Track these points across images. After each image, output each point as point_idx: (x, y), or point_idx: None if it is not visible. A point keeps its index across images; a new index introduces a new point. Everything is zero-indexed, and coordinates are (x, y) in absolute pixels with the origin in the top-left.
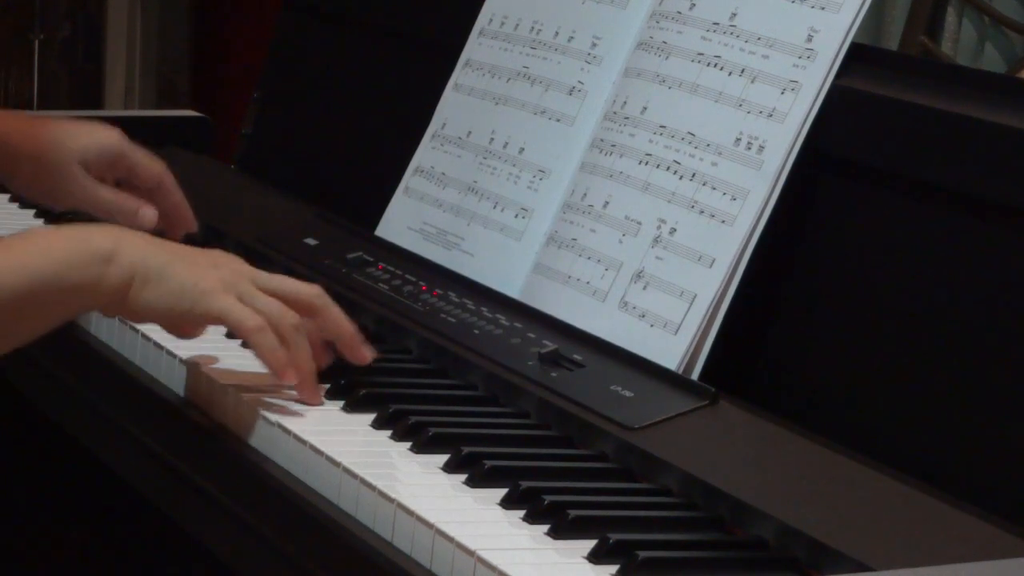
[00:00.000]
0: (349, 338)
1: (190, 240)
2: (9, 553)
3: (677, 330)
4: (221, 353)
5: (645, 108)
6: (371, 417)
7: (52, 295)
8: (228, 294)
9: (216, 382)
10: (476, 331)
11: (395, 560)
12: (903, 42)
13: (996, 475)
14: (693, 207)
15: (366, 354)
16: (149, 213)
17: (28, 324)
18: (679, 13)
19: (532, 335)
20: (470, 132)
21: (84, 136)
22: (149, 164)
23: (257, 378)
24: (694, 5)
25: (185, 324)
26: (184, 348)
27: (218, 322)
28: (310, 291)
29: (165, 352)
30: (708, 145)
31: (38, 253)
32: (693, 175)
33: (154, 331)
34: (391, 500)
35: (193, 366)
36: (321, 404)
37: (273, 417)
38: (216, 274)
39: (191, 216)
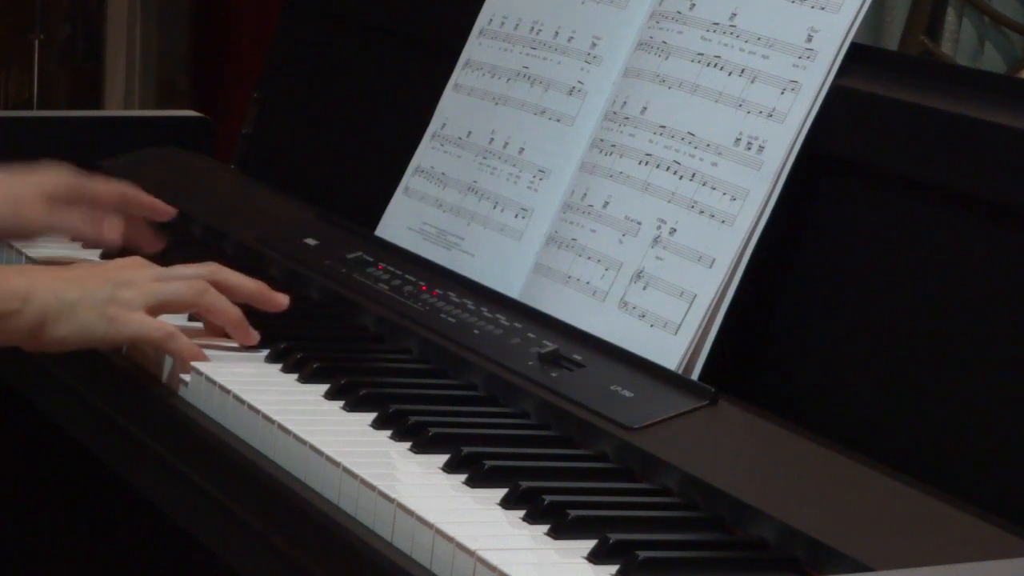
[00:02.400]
0: (258, 294)
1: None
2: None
3: (677, 330)
4: (216, 353)
5: (645, 108)
6: (371, 417)
7: None
8: (136, 312)
9: (215, 381)
10: (476, 331)
11: (395, 560)
12: (903, 42)
13: (996, 475)
14: (693, 207)
15: (281, 300)
16: (112, 228)
17: None
18: (679, 13)
19: (532, 335)
20: (470, 132)
21: (40, 174)
22: (107, 186)
23: (254, 376)
24: (694, 5)
25: (105, 346)
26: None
27: (136, 343)
28: (203, 271)
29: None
30: (708, 145)
31: None
32: (693, 175)
33: None
34: (391, 500)
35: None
36: (255, 339)
37: (273, 417)
38: (123, 296)
39: (165, 207)
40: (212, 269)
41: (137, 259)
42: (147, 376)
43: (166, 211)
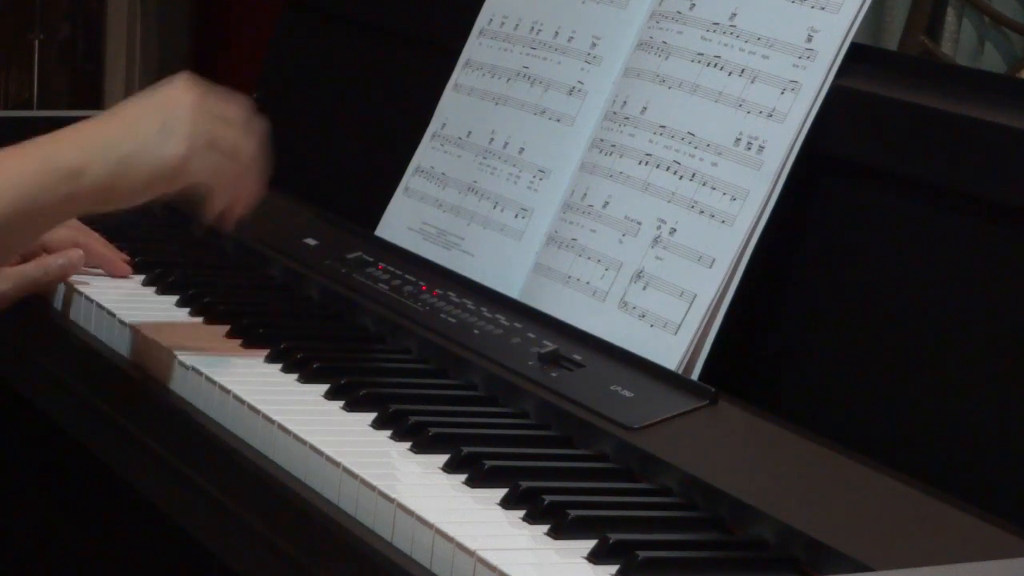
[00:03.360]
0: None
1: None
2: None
3: (677, 330)
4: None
5: (645, 108)
6: (371, 417)
7: (28, 219)
8: (188, 155)
9: (215, 381)
10: (476, 331)
11: (395, 560)
12: (903, 42)
13: (996, 475)
14: (693, 207)
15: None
16: (74, 257)
17: (11, 244)
18: (679, 13)
19: (532, 335)
20: (470, 132)
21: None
22: (59, 236)
23: (254, 376)
24: (694, 5)
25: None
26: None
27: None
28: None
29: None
30: (708, 145)
31: (6, 182)
32: (693, 175)
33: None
34: (391, 500)
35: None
36: (129, 274)
37: (273, 417)
38: (180, 130)
39: (121, 264)
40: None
41: (182, 84)
42: (147, 376)
43: (121, 269)
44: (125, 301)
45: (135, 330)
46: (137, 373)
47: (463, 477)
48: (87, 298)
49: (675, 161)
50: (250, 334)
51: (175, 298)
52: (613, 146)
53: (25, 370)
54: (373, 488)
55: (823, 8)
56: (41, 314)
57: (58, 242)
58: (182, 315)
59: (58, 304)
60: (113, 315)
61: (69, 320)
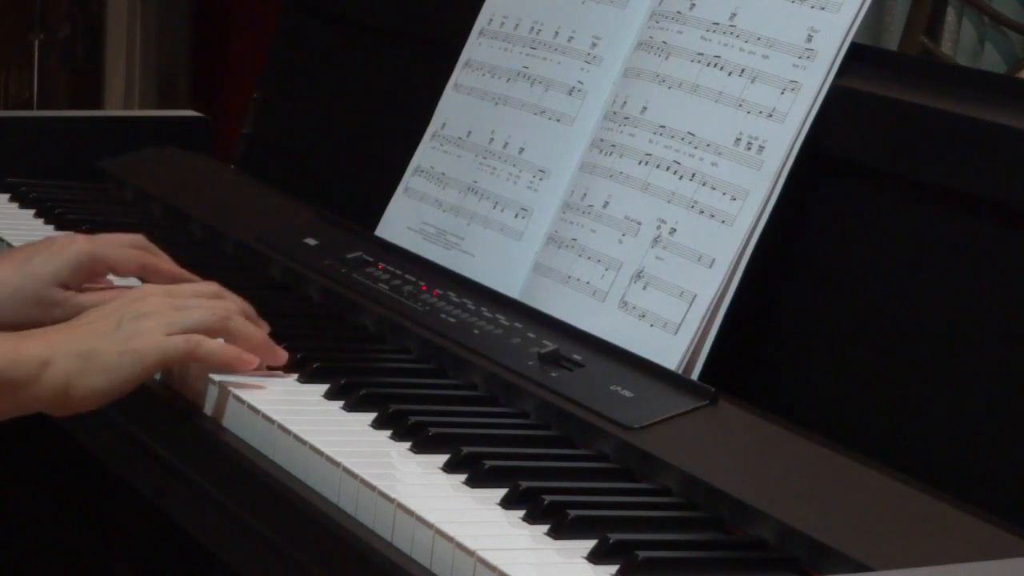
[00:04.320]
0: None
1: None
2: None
3: (677, 330)
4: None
5: (645, 108)
6: (371, 417)
7: None
8: (157, 336)
9: (215, 381)
10: (476, 331)
11: (395, 560)
12: (903, 42)
13: (996, 475)
14: (693, 207)
15: (280, 358)
16: None
17: None
18: (679, 13)
19: (532, 335)
20: (470, 132)
21: (54, 257)
22: (125, 257)
23: (254, 376)
24: (694, 5)
25: (137, 384)
26: None
27: (164, 367)
28: (209, 288)
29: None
30: (708, 145)
31: None
32: (693, 175)
33: None
34: (391, 500)
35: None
36: (285, 359)
37: (273, 417)
38: (142, 327)
39: (185, 274)
40: (228, 308)
41: (147, 288)
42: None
43: (184, 278)
44: None
45: None
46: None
47: (463, 477)
48: None
49: (675, 161)
50: None
51: None
52: (613, 146)
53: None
54: (373, 488)
55: (823, 8)
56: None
57: (125, 263)
58: None
59: None
60: None
61: None
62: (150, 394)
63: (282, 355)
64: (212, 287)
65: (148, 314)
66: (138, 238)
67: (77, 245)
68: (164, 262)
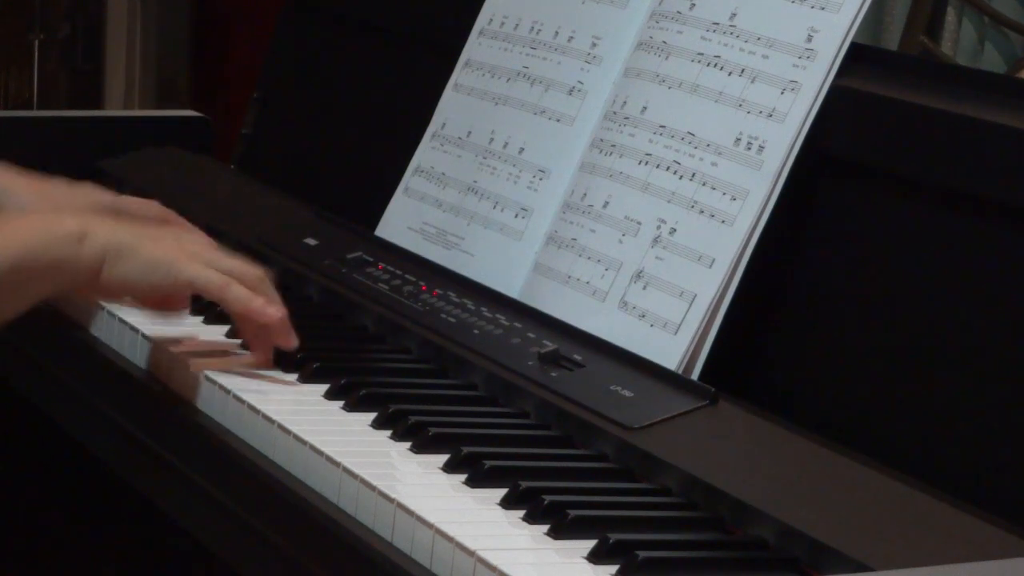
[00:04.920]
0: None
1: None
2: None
3: (677, 330)
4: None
5: (645, 108)
6: (371, 417)
7: (30, 273)
8: (193, 262)
9: (215, 381)
10: (476, 331)
11: (395, 560)
12: (903, 42)
13: (996, 475)
14: (693, 207)
15: (293, 341)
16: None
17: (8, 302)
18: (679, 13)
19: (532, 335)
20: (470, 132)
21: (81, 196)
22: (145, 209)
23: (254, 376)
24: (694, 5)
25: (158, 295)
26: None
27: (189, 289)
28: (257, 272)
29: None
30: (708, 145)
31: (12, 237)
32: (693, 175)
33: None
34: (391, 500)
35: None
36: (295, 345)
37: (273, 417)
38: (180, 246)
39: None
40: (263, 274)
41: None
42: (148, 376)
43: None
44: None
45: (148, 338)
46: (138, 373)
47: (463, 477)
48: (108, 313)
49: (675, 161)
50: None
51: None
52: (613, 146)
53: (23, 365)
54: (373, 488)
55: (823, 8)
56: (51, 320)
57: (145, 214)
58: (219, 333)
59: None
60: (133, 328)
61: (77, 325)
62: (149, 393)
63: (295, 340)
64: (258, 271)
65: (194, 241)
66: (157, 204)
67: (99, 190)
68: (185, 222)
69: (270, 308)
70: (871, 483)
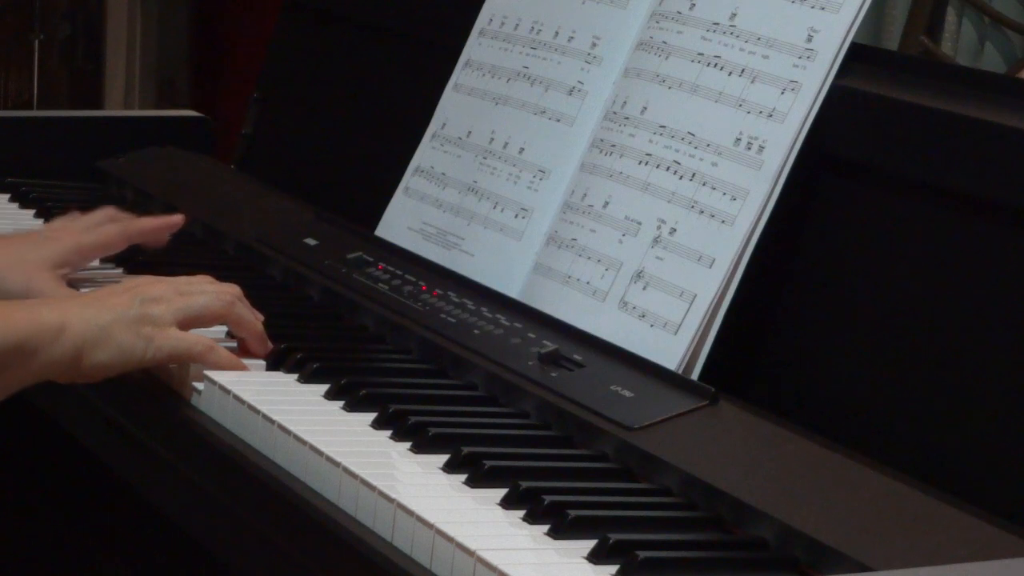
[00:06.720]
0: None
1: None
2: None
3: (677, 330)
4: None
5: (645, 108)
6: (371, 417)
7: (16, 358)
8: (170, 328)
9: (216, 381)
10: (476, 331)
11: (395, 560)
12: (903, 42)
13: (996, 475)
14: (693, 207)
15: (268, 346)
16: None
17: None
18: (679, 13)
19: (532, 335)
20: (470, 132)
21: (45, 244)
22: (110, 237)
23: (254, 376)
24: (694, 5)
25: (142, 368)
26: None
27: (175, 362)
28: (226, 297)
29: None
30: (708, 145)
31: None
32: (693, 175)
33: None
34: (391, 500)
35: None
36: (269, 349)
37: (274, 417)
38: (154, 312)
39: (168, 221)
40: (231, 294)
41: (154, 277)
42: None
43: (173, 223)
44: None
45: None
46: (137, 372)
47: (463, 477)
48: None
49: (675, 161)
50: None
51: None
52: (613, 146)
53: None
54: (373, 488)
55: (823, 8)
56: None
57: (115, 243)
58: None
59: None
60: None
61: None
62: (148, 391)
63: (269, 346)
64: (206, 279)
65: (158, 299)
66: (108, 211)
67: (64, 234)
68: (143, 221)
69: (260, 349)
70: (871, 483)
